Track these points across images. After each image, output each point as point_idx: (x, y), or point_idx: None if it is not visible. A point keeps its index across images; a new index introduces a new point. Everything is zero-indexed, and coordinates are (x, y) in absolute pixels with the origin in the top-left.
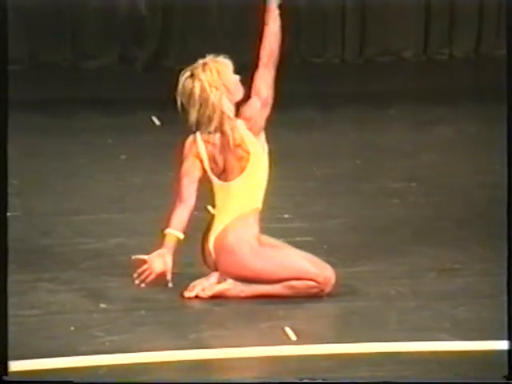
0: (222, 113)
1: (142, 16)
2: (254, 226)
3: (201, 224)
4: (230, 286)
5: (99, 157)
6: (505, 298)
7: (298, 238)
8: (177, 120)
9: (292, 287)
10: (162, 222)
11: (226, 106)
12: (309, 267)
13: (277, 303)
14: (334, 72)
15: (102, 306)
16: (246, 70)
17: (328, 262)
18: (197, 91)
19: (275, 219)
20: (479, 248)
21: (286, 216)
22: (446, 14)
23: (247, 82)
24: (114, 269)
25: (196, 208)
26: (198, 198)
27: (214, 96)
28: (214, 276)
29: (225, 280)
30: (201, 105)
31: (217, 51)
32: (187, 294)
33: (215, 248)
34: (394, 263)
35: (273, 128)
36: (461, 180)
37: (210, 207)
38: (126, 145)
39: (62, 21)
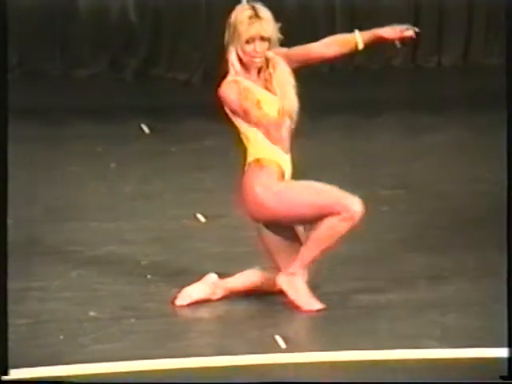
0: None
1: (132, 24)
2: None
3: (190, 232)
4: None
5: (89, 165)
6: (496, 305)
7: None
8: (166, 128)
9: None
10: (152, 231)
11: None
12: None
13: (267, 311)
14: (323, 80)
15: (92, 314)
16: None
17: (318, 268)
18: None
19: None
20: (469, 255)
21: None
22: (435, 22)
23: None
24: (104, 277)
25: (185, 216)
26: (188, 205)
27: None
28: (204, 282)
29: (213, 286)
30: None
31: (207, 60)
32: (179, 301)
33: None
34: (383, 270)
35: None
36: (450, 187)
37: (199, 215)
38: (116, 153)
39: (51, 29)
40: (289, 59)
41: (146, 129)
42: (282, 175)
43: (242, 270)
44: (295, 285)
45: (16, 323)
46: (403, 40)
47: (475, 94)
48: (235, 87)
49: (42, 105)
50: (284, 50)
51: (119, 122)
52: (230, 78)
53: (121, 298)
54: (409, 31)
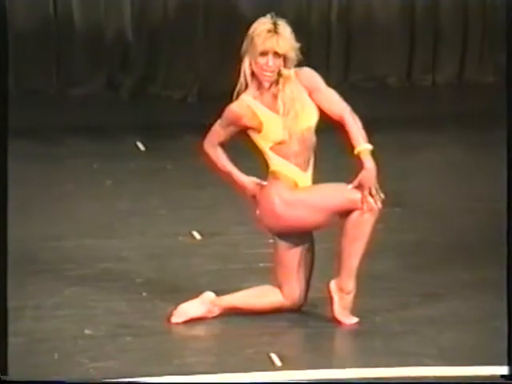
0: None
1: (128, 43)
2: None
3: (185, 249)
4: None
5: (85, 183)
6: (494, 323)
7: None
8: (162, 145)
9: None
10: (148, 248)
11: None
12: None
13: (262, 328)
14: None
15: (87, 332)
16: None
17: (313, 286)
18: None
19: (261, 244)
20: (464, 273)
21: (272, 241)
22: (430, 41)
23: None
24: (99, 295)
25: (181, 233)
26: (184, 223)
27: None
28: (201, 300)
29: (210, 305)
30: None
31: (202, 78)
32: (174, 319)
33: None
34: (378, 288)
35: (256, 155)
36: (445, 205)
37: (195, 232)
38: (112, 170)
39: (47, 48)
40: (312, 97)
41: (141, 146)
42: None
43: (238, 288)
44: (344, 300)
45: (11, 342)
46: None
47: (470, 113)
48: (242, 107)
49: (38, 123)
50: (317, 84)
51: (115, 139)
52: (242, 96)
53: (116, 316)
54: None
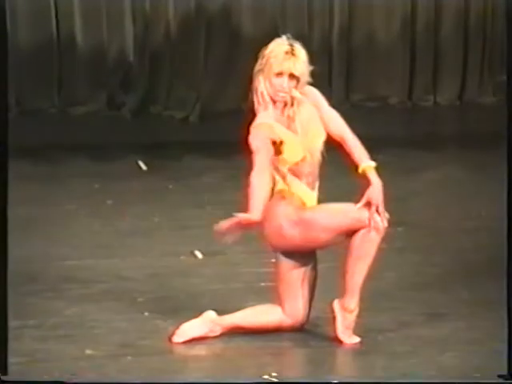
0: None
1: (130, 62)
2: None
3: (187, 268)
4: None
5: (86, 202)
6: (495, 343)
7: None
8: (163, 165)
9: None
10: (149, 267)
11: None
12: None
13: (263, 349)
14: None
15: (88, 352)
16: (234, 114)
17: (315, 306)
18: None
19: (262, 263)
20: (466, 293)
21: (274, 260)
22: (431, 61)
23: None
24: (100, 314)
25: (183, 253)
26: (186, 242)
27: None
28: (202, 320)
29: (212, 324)
30: None
31: (204, 98)
32: (176, 339)
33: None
34: (380, 308)
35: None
36: (448, 225)
37: (197, 252)
38: (113, 190)
39: (49, 67)
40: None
41: (143, 166)
42: (304, 208)
43: (239, 307)
44: (347, 319)
45: (11, 361)
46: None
47: (471, 133)
48: (264, 131)
49: (39, 143)
50: (321, 103)
51: (116, 159)
52: (259, 120)
53: (117, 336)
54: None
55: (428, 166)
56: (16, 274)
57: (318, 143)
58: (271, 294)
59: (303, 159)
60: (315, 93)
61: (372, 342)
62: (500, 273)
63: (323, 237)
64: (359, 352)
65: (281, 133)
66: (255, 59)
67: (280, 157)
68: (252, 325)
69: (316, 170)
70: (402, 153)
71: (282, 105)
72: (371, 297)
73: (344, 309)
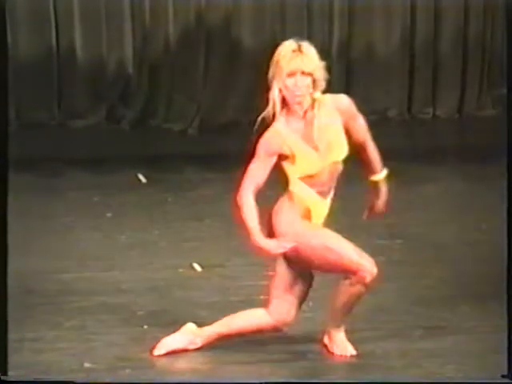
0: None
1: (129, 75)
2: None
3: (186, 281)
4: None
5: (85, 215)
6: (495, 356)
7: None
8: (163, 178)
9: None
10: (148, 280)
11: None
12: (352, 256)
13: (263, 362)
14: None
15: (87, 365)
16: (234, 127)
17: (312, 319)
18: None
19: (261, 276)
20: (466, 306)
21: (272, 273)
22: (430, 74)
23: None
24: (99, 327)
25: (182, 265)
26: (185, 255)
27: None
28: (182, 332)
29: (192, 336)
30: None
31: (203, 110)
32: (156, 351)
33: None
34: (379, 321)
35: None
36: (446, 238)
37: (195, 264)
38: (112, 203)
39: (49, 80)
40: (348, 124)
41: (142, 178)
42: (309, 216)
43: None
44: (337, 337)
45: (10, 375)
46: None
47: (470, 145)
48: (276, 136)
49: (39, 155)
50: (355, 112)
51: (116, 172)
52: (271, 129)
53: (116, 349)
54: None
55: (427, 178)
56: (14, 286)
57: (335, 156)
58: None
59: (318, 173)
60: (349, 100)
61: (371, 355)
62: (499, 285)
63: (314, 263)
64: (358, 365)
65: (294, 145)
66: (255, 72)
67: (292, 166)
68: (232, 330)
69: (333, 181)
70: (401, 165)
71: (301, 109)
72: (369, 310)
73: (329, 333)
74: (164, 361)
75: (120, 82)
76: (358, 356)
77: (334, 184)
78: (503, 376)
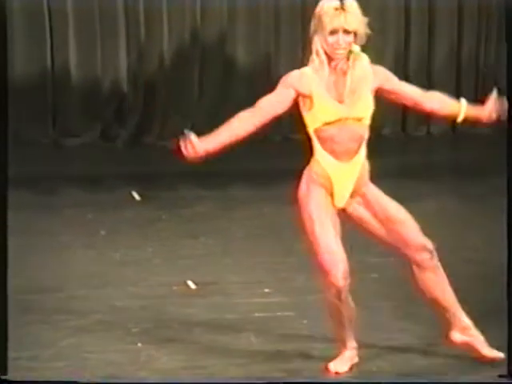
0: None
1: (124, 93)
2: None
3: (180, 299)
4: None
5: (80, 232)
6: (492, 372)
7: (278, 313)
8: (157, 195)
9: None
10: (143, 298)
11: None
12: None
13: (268, 380)
14: None
15: (83, 382)
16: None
17: (309, 336)
18: None
19: (256, 294)
20: None
21: (267, 290)
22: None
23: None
24: (94, 345)
25: (176, 283)
26: (179, 272)
27: None
28: None
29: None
30: None
31: (197, 128)
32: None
33: None
34: (374, 339)
35: (256, 204)
36: (441, 255)
37: (190, 282)
38: (107, 220)
39: (44, 99)
40: (380, 82)
41: (136, 196)
42: (331, 191)
43: (234, 337)
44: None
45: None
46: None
47: (464, 163)
48: (301, 75)
49: (33, 173)
50: (383, 70)
51: (110, 189)
52: (304, 68)
53: (112, 367)
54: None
55: (422, 196)
56: (11, 304)
57: (355, 112)
58: (267, 325)
59: (335, 122)
60: (386, 70)
61: (366, 373)
62: (499, 304)
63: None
64: (352, 382)
65: (314, 89)
66: (249, 89)
67: (309, 112)
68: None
69: (351, 142)
70: (396, 183)
71: (339, 61)
72: (364, 327)
73: (463, 330)
74: (159, 378)
75: (114, 100)
76: (352, 374)
77: (356, 148)
78: (500, 376)
